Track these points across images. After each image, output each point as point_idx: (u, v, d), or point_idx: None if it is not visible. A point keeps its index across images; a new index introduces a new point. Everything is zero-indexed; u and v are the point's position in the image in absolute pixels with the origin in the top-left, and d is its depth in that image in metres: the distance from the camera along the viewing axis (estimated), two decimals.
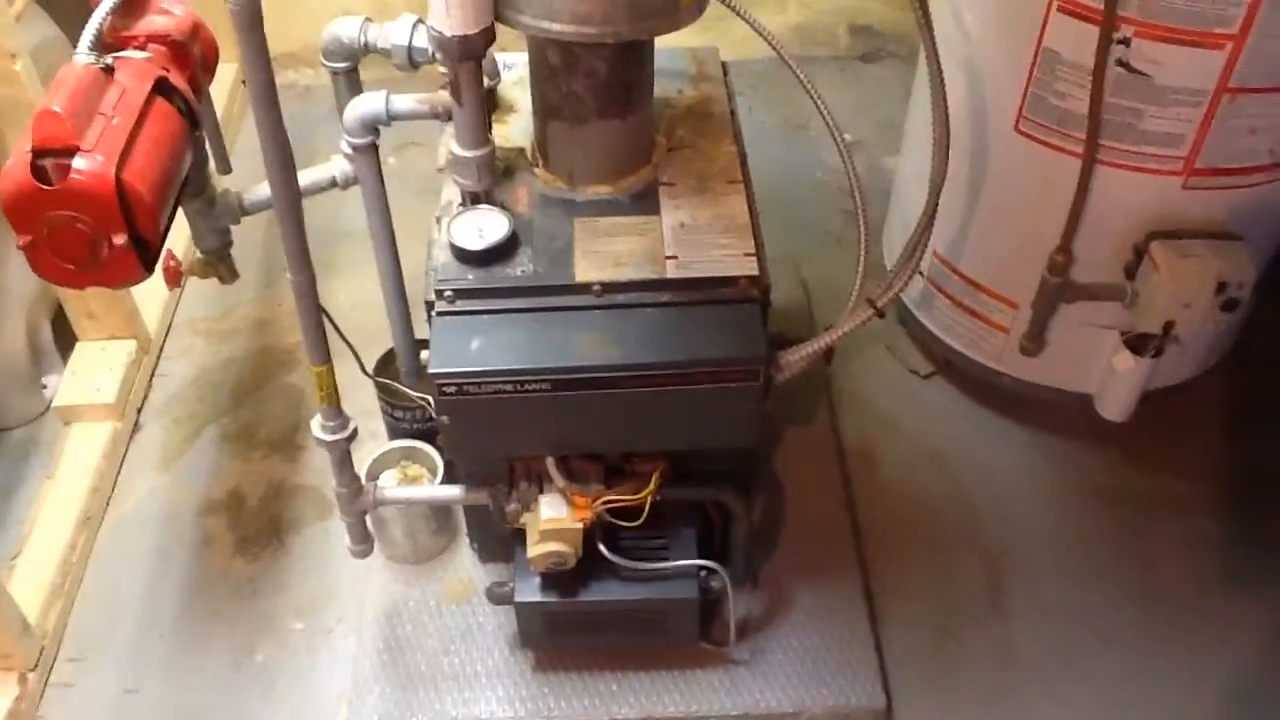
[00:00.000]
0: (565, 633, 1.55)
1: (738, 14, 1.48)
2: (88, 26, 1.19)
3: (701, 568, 1.48)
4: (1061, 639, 1.68)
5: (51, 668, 1.65)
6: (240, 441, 1.96)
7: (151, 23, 1.28)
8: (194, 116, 1.29)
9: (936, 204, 1.41)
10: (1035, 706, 1.61)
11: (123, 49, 1.25)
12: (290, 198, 1.12)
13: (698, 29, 1.30)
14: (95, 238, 1.13)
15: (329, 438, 1.35)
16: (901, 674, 1.62)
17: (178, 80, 1.27)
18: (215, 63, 1.39)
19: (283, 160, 1.09)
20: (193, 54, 1.32)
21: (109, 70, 1.19)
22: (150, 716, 1.61)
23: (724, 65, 1.65)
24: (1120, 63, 1.46)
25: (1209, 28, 1.39)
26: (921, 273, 1.88)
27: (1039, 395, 1.86)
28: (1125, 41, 1.43)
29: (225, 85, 2.55)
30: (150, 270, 1.19)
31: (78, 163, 1.10)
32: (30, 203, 1.11)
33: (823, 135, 2.47)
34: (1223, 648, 1.67)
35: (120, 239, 1.13)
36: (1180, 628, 1.70)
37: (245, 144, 2.35)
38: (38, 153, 1.10)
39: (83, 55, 1.18)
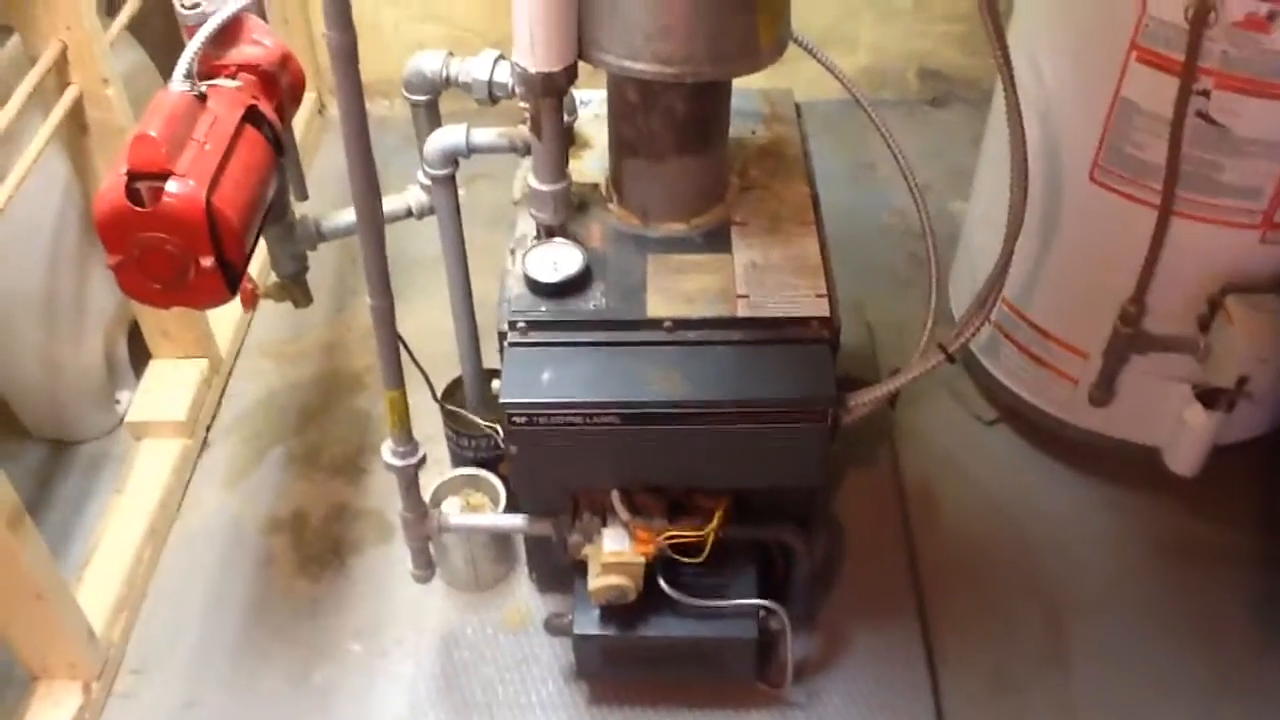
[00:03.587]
0: (622, 666, 1.55)
1: (813, 55, 1.49)
2: (183, 55, 1.23)
3: (761, 607, 1.48)
4: (1122, 692, 1.65)
5: (115, 678, 1.68)
6: (305, 463, 1.99)
7: (243, 52, 1.32)
8: (280, 144, 1.32)
9: (1012, 250, 1.41)
10: None
11: (215, 77, 1.29)
12: (375, 225, 1.14)
13: (769, 69, 1.32)
14: (183, 259, 1.16)
15: (399, 463, 1.37)
16: None
17: (266, 109, 1.30)
18: (302, 92, 1.43)
19: (370, 189, 1.11)
20: (281, 84, 1.35)
21: (202, 98, 1.23)
22: None
23: (797, 106, 1.66)
24: (1199, 114, 1.45)
25: None
26: (990, 319, 1.87)
27: (1106, 446, 1.84)
28: (1205, 93, 1.43)
29: (302, 113, 2.60)
30: (234, 293, 1.22)
31: (170, 186, 1.13)
32: (123, 224, 1.14)
33: (890, 178, 2.46)
34: None
35: (208, 261, 1.16)
36: (1243, 684, 1.66)
37: (319, 172, 2.39)
38: (133, 175, 1.13)
39: (178, 82, 1.22)
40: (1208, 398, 1.65)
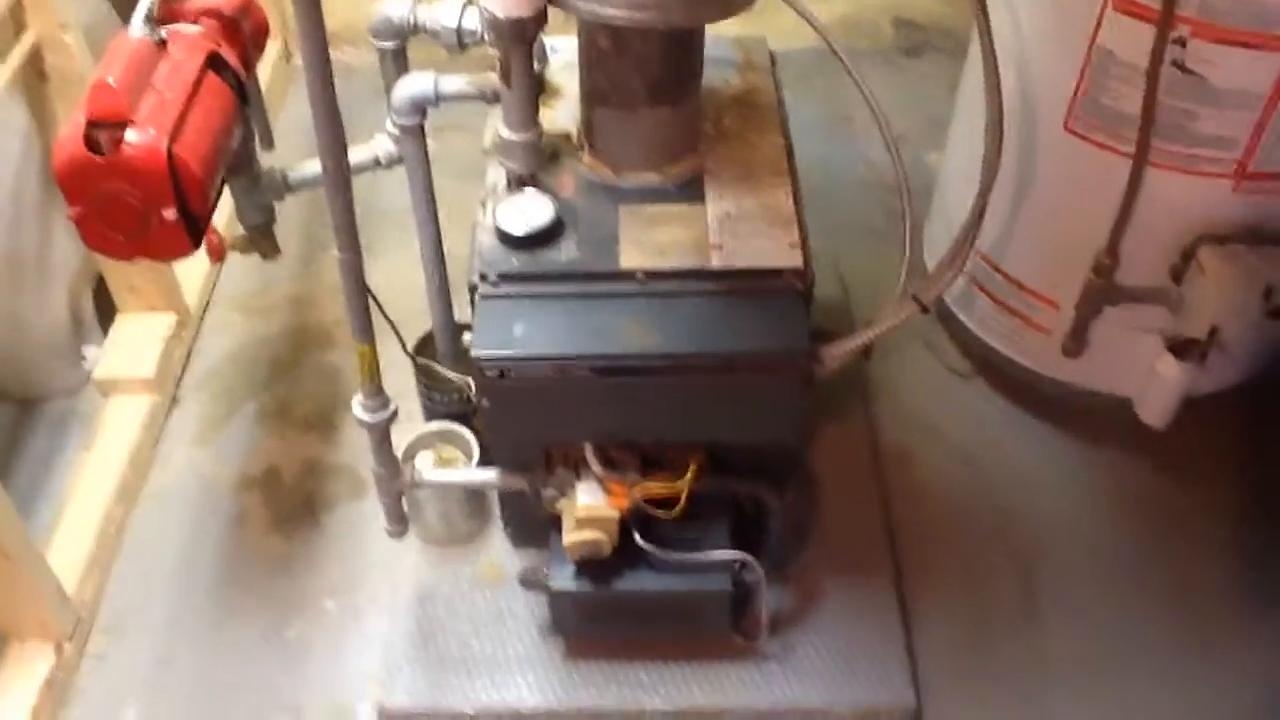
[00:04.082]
0: (598, 621, 1.55)
1: (788, 3, 1.47)
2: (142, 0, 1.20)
3: (735, 560, 1.48)
4: (1094, 644, 1.67)
5: (88, 638, 1.67)
6: (277, 419, 1.97)
7: None
8: (244, 92, 1.30)
9: (986, 201, 1.40)
10: (1066, 710, 1.60)
11: (175, 22, 1.26)
12: (341, 175, 1.12)
13: (742, 18, 1.30)
14: (145, 210, 1.14)
15: (370, 418, 1.36)
16: (932, 674, 1.61)
17: (229, 55, 1.28)
18: (265, 39, 1.41)
19: (335, 137, 1.09)
20: (243, 30, 1.33)
21: (162, 44, 1.20)
22: (183, 688, 1.62)
23: (772, 55, 1.64)
24: (1175, 63, 1.43)
25: (1267, 29, 1.37)
26: (964, 270, 1.86)
27: (1078, 398, 1.85)
28: (1181, 42, 1.41)
29: (268, 61, 2.55)
30: (198, 244, 1.20)
31: (130, 135, 1.11)
32: (82, 173, 1.12)
33: (866, 130, 2.45)
34: (1257, 658, 1.65)
35: (170, 212, 1.14)
36: (1215, 637, 1.68)
37: (285, 122, 2.35)
38: (91, 124, 1.11)
39: (137, 28, 1.19)
40: (1179, 349, 1.65)
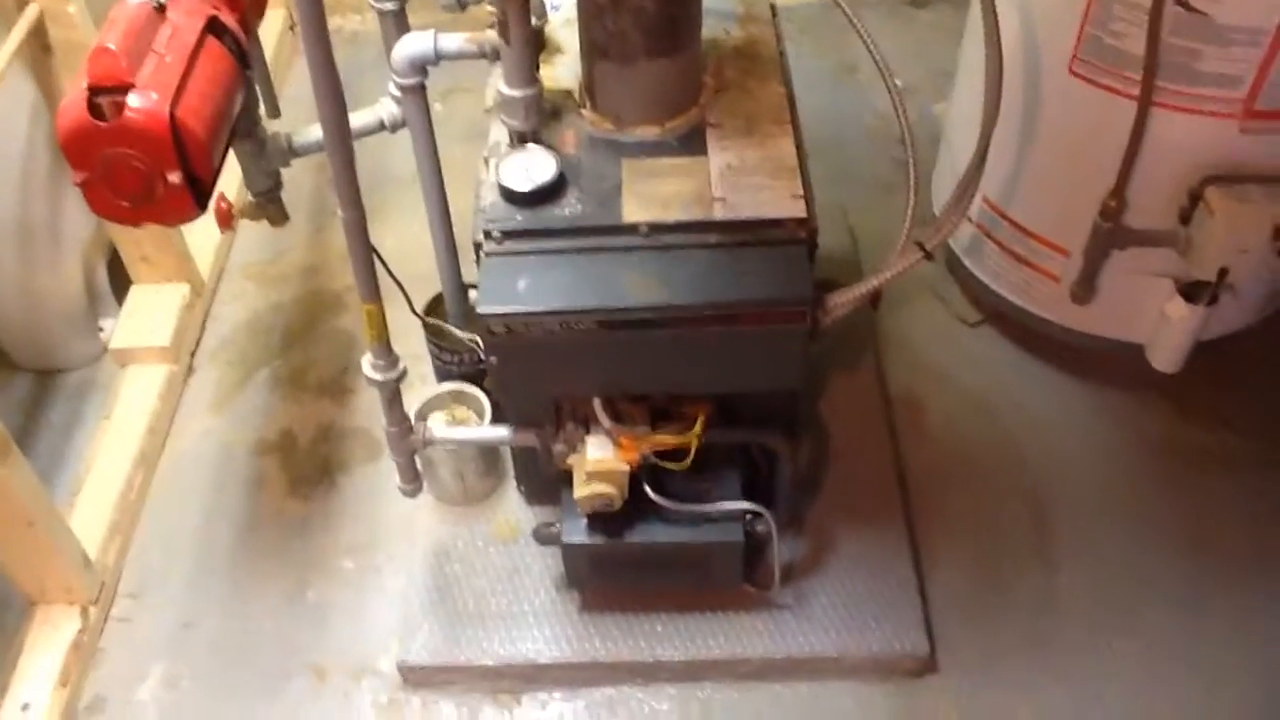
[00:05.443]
0: (611, 574, 1.56)
1: None
2: None
3: (746, 511, 1.49)
4: (1107, 590, 1.68)
5: (112, 602, 1.70)
6: (291, 384, 1.99)
7: None
8: (245, 57, 1.30)
9: (987, 146, 1.40)
10: (1079, 655, 1.61)
11: None
12: (341, 134, 1.12)
13: None
14: (150, 174, 1.14)
15: (379, 376, 1.37)
16: (945, 621, 1.63)
17: (229, 20, 1.27)
18: (265, 4, 1.40)
19: (333, 96, 1.09)
20: None
21: (161, 9, 1.20)
22: (206, 650, 1.65)
23: (772, 6, 1.63)
24: (1179, 1, 1.42)
25: None
26: (971, 219, 1.86)
27: (1089, 345, 1.84)
28: None
29: (273, 32, 2.56)
30: (203, 208, 1.21)
31: (132, 100, 1.11)
32: (86, 139, 1.12)
33: (872, 81, 2.43)
34: (1272, 602, 1.66)
35: (174, 176, 1.14)
36: (1228, 581, 1.68)
37: (292, 91, 2.36)
38: (93, 90, 1.11)
39: None
40: (1189, 291, 1.65)
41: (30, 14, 1.57)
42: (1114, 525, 1.75)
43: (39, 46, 1.63)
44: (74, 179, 1.15)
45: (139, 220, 1.20)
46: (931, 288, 2.06)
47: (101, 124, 1.11)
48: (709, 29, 1.47)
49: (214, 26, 1.23)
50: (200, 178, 1.17)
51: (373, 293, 1.28)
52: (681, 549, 1.51)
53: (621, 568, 1.55)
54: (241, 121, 1.33)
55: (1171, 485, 1.80)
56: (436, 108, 1.43)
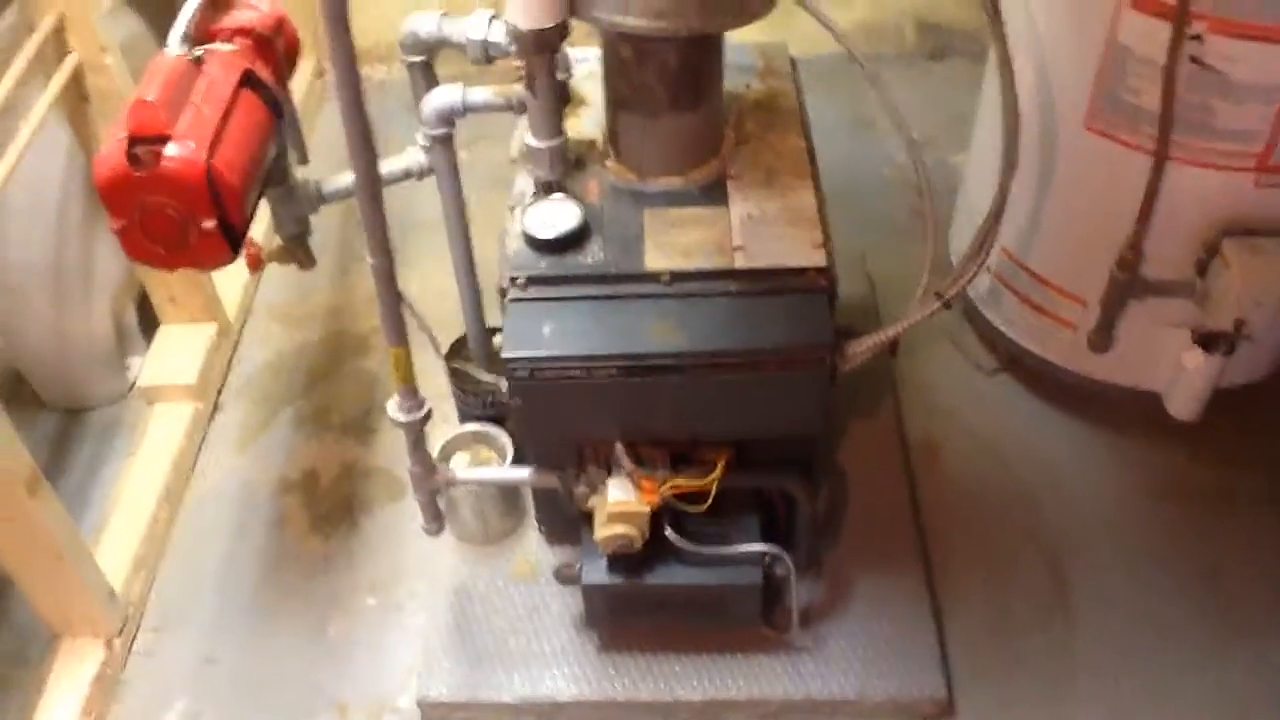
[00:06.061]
0: (630, 614, 1.58)
1: (806, 9, 1.49)
2: (178, 19, 1.25)
3: (765, 553, 1.50)
4: (1123, 635, 1.68)
5: (135, 636, 1.72)
6: (315, 424, 2.02)
7: (237, 17, 1.33)
8: (278, 107, 1.34)
9: (1005, 198, 1.42)
10: (1096, 700, 1.61)
11: (211, 41, 1.30)
12: (372, 183, 1.16)
13: (764, 25, 1.33)
14: (185, 221, 1.18)
15: (405, 418, 1.39)
16: (962, 665, 1.63)
17: (263, 73, 1.32)
18: (297, 57, 1.44)
19: (365, 146, 1.12)
20: (277, 48, 1.37)
21: (198, 62, 1.24)
22: (228, 685, 1.67)
23: (792, 60, 1.66)
24: (1193, 59, 1.45)
25: None
26: (989, 268, 1.88)
27: (1106, 393, 1.85)
28: (1198, 37, 1.43)
29: (302, 79, 2.61)
30: (236, 254, 1.24)
31: (169, 149, 1.15)
32: (124, 187, 1.16)
33: (891, 133, 2.47)
34: None
35: (209, 223, 1.18)
36: (1246, 627, 1.68)
37: (319, 138, 2.40)
38: (132, 139, 1.15)
39: (174, 47, 1.23)
40: (1206, 341, 1.66)
41: (69, 64, 1.61)
42: (1131, 571, 1.75)
43: (77, 95, 1.67)
44: (111, 225, 1.19)
45: (174, 265, 1.24)
46: (949, 335, 2.07)
47: (139, 173, 1.15)
48: (730, 83, 1.50)
49: (249, 79, 1.28)
50: (234, 224, 1.21)
51: (400, 337, 1.31)
52: (700, 590, 1.52)
53: (641, 608, 1.56)
54: (273, 169, 1.37)
55: (1188, 531, 1.80)
56: (461, 156, 1.46)
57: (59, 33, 1.59)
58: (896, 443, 1.89)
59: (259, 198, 1.31)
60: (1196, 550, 1.78)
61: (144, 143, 1.15)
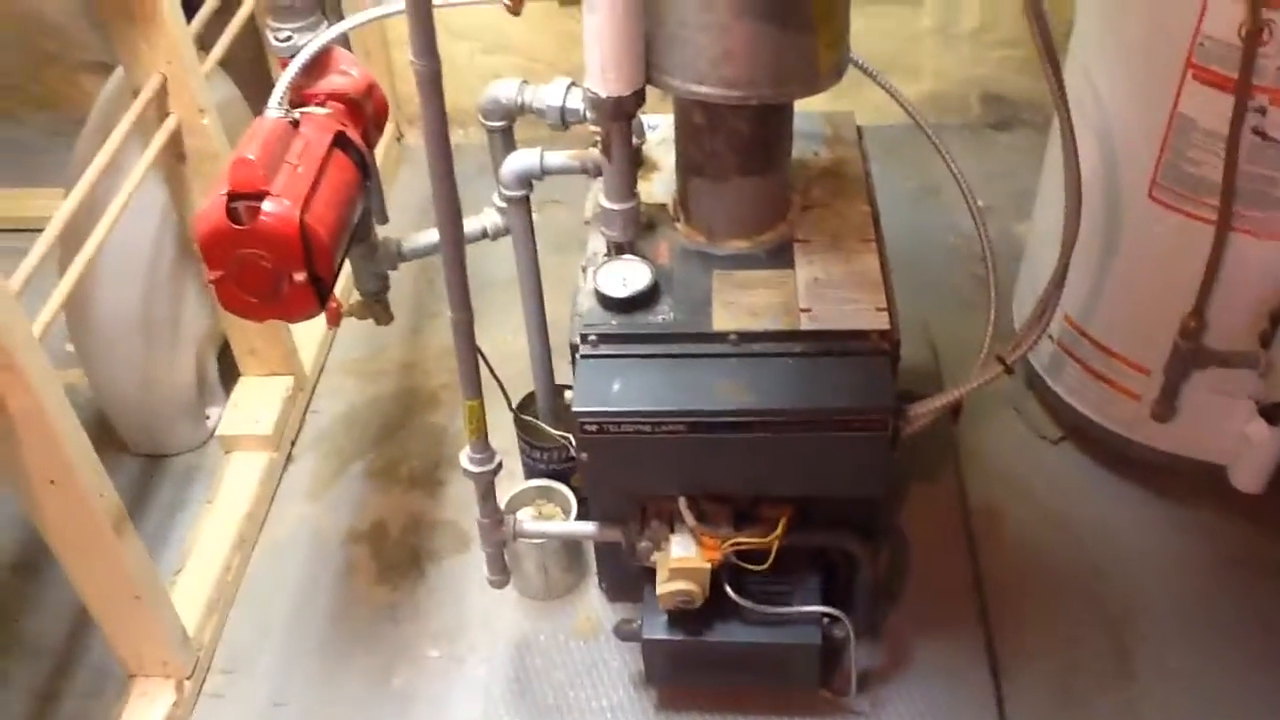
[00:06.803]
0: (689, 671, 1.59)
1: (874, 79, 1.54)
2: (278, 84, 1.32)
3: (825, 614, 1.51)
4: (1189, 708, 1.66)
5: (205, 678, 1.76)
6: (384, 476, 2.07)
7: (331, 82, 1.41)
8: (366, 168, 1.40)
9: (1067, 265, 1.44)
10: None
11: (306, 105, 1.37)
12: (456, 238, 1.21)
13: (834, 94, 1.37)
14: (278, 274, 1.24)
15: (476, 469, 1.43)
16: None
17: (353, 134, 1.38)
18: (385, 119, 1.51)
19: (451, 202, 1.18)
20: (366, 111, 1.44)
21: (295, 124, 1.31)
22: None
23: (859, 129, 1.71)
24: (1256, 130, 1.47)
25: None
26: (1051, 337, 1.89)
27: (1169, 463, 1.85)
28: (1261, 110, 1.45)
29: (381, 143, 2.70)
30: (324, 306, 1.30)
31: (267, 205, 1.21)
32: (223, 241, 1.23)
33: (955, 202, 2.48)
34: None
35: (300, 276, 1.24)
36: None
37: (397, 198, 2.48)
38: (233, 195, 1.21)
39: (273, 109, 1.31)
40: (1271, 413, 1.66)
41: (169, 124, 1.70)
42: (1194, 643, 1.74)
43: (174, 155, 1.75)
44: (208, 277, 1.26)
45: (265, 316, 1.30)
46: (1011, 403, 2.08)
47: (238, 227, 1.21)
48: (798, 150, 1.55)
49: (340, 140, 1.34)
50: (322, 278, 1.27)
51: (475, 390, 1.35)
52: (759, 649, 1.53)
53: (699, 665, 1.58)
54: (358, 227, 1.44)
55: (1253, 603, 1.78)
56: (534, 218, 1.52)
57: (161, 95, 1.67)
58: (958, 509, 1.90)
59: (346, 253, 1.38)
60: (1262, 624, 1.76)
61: (243, 199, 1.21)
